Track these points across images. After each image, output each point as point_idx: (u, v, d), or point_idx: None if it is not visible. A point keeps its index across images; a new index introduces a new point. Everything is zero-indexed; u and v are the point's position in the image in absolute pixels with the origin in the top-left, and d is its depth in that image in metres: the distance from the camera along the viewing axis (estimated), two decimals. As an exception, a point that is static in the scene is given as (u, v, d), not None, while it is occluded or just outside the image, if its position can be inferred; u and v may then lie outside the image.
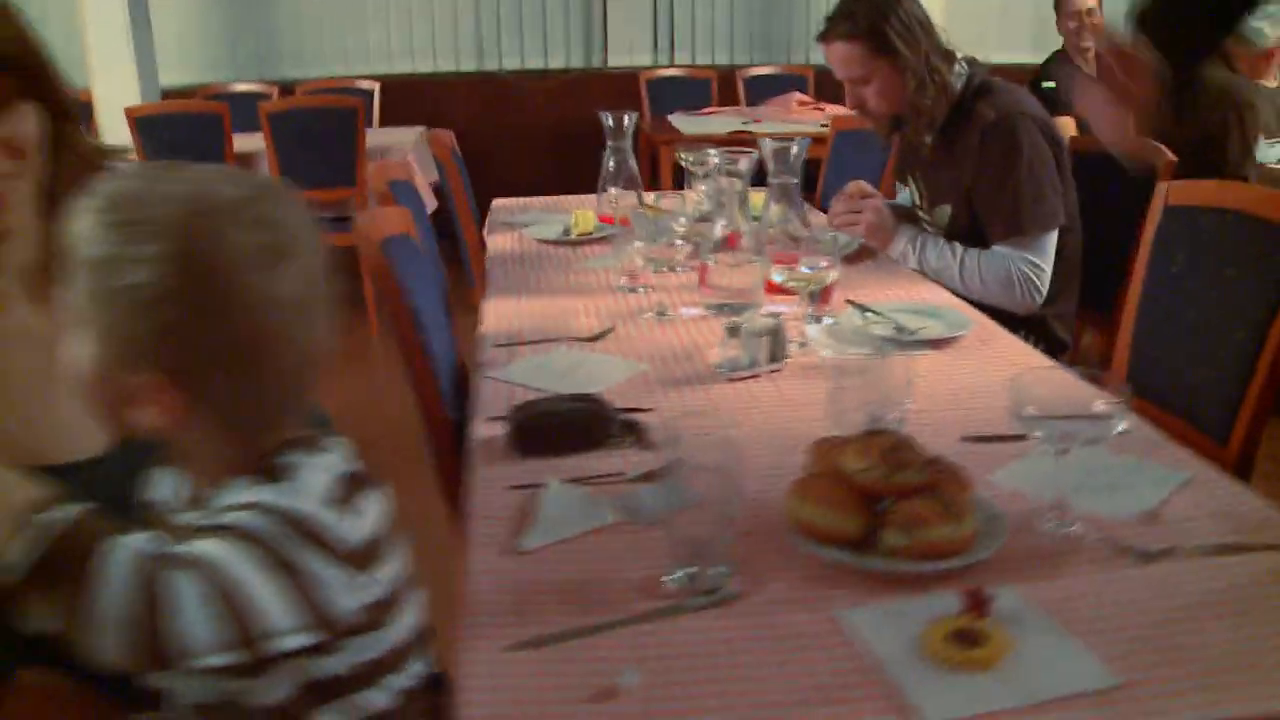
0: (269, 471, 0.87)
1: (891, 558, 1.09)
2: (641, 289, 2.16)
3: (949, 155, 2.36)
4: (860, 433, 1.18)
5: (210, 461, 0.92)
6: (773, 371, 1.67)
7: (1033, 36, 6.03)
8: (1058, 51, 4.58)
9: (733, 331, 1.68)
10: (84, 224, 0.84)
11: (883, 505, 1.13)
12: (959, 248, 2.28)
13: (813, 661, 0.96)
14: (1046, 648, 0.97)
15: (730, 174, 1.96)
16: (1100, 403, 1.16)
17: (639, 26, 6.35)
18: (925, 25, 2.32)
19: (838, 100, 5.44)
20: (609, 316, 1.99)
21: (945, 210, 2.39)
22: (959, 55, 2.36)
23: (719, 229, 2.00)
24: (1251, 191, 1.84)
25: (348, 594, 0.86)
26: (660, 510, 1.21)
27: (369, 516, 0.90)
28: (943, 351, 1.78)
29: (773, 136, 2.05)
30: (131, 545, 0.78)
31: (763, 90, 5.70)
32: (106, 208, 0.84)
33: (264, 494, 0.85)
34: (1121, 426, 1.15)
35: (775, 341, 1.68)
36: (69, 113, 1.10)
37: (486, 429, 1.48)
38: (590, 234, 2.69)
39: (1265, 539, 1.15)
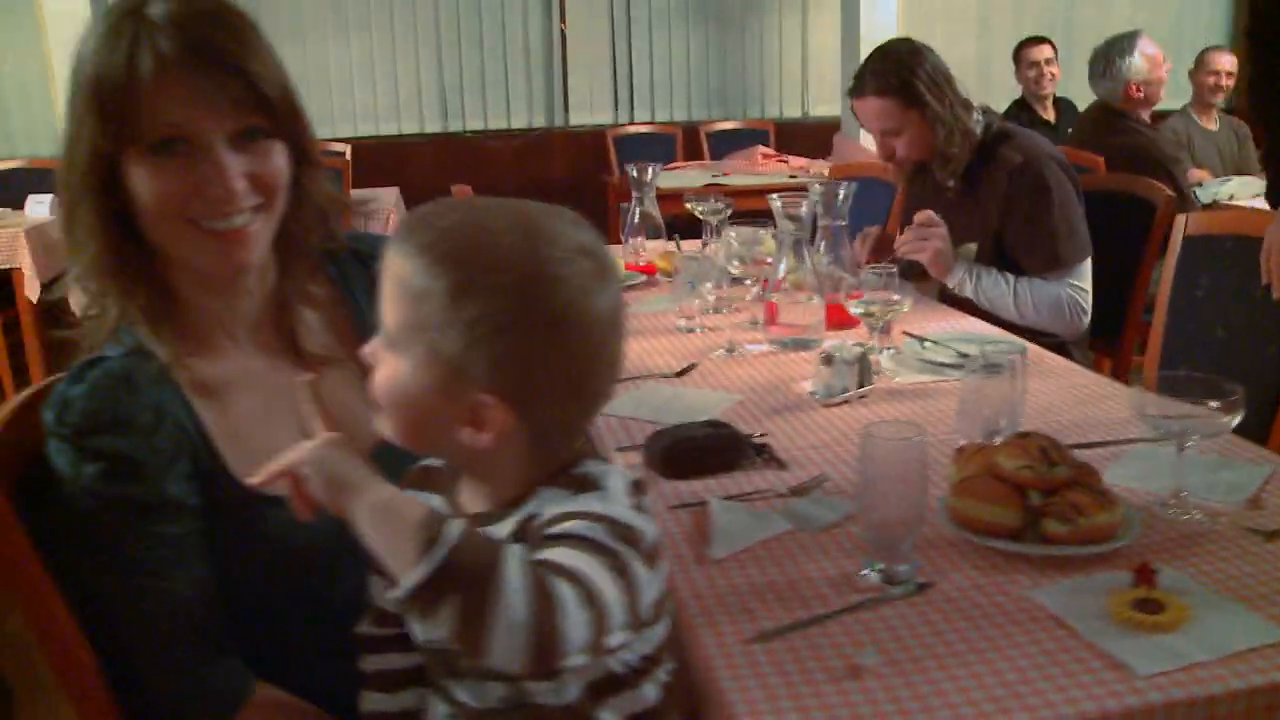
0: (579, 481, 0.93)
1: (1054, 544, 1.23)
2: (700, 329, 2.29)
3: (972, 198, 2.55)
4: (1010, 436, 1.32)
5: (513, 475, 0.95)
6: (861, 397, 1.81)
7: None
8: (1017, 101, 4.88)
9: (827, 360, 1.81)
10: (411, 257, 0.89)
11: (1030, 499, 1.27)
12: (1011, 277, 2.45)
13: (1022, 635, 1.08)
14: (1217, 611, 1.10)
15: (791, 218, 2.10)
16: (1214, 402, 1.32)
17: (599, 85, 6.55)
18: (948, 77, 2.52)
19: (799, 152, 5.73)
20: (683, 355, 2.12)
21: (971, 248, 2.57)
22: (975, 104, 2.56)
23: (782, 270, 2.14)
24: (1263, 217, 2.04)
25: (651, 592, 0.91)
26: (827, 518, 1.35)
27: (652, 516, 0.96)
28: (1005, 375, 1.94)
29: (783, 188, 2.21)
30: (520, 552, 0.81)
31: (726, 144, 5.92)
32: (438, 240, 0.89)
33: (589, 503, 0.89)
34: (1236, 420, 1.31)
35: (864, 368, 1.82)
36: (311, 158, 1.16)
37: (618, 458, 1.59)
38: (623, 283, 2.81)
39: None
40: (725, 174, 5.26)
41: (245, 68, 1.06)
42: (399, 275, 0.90)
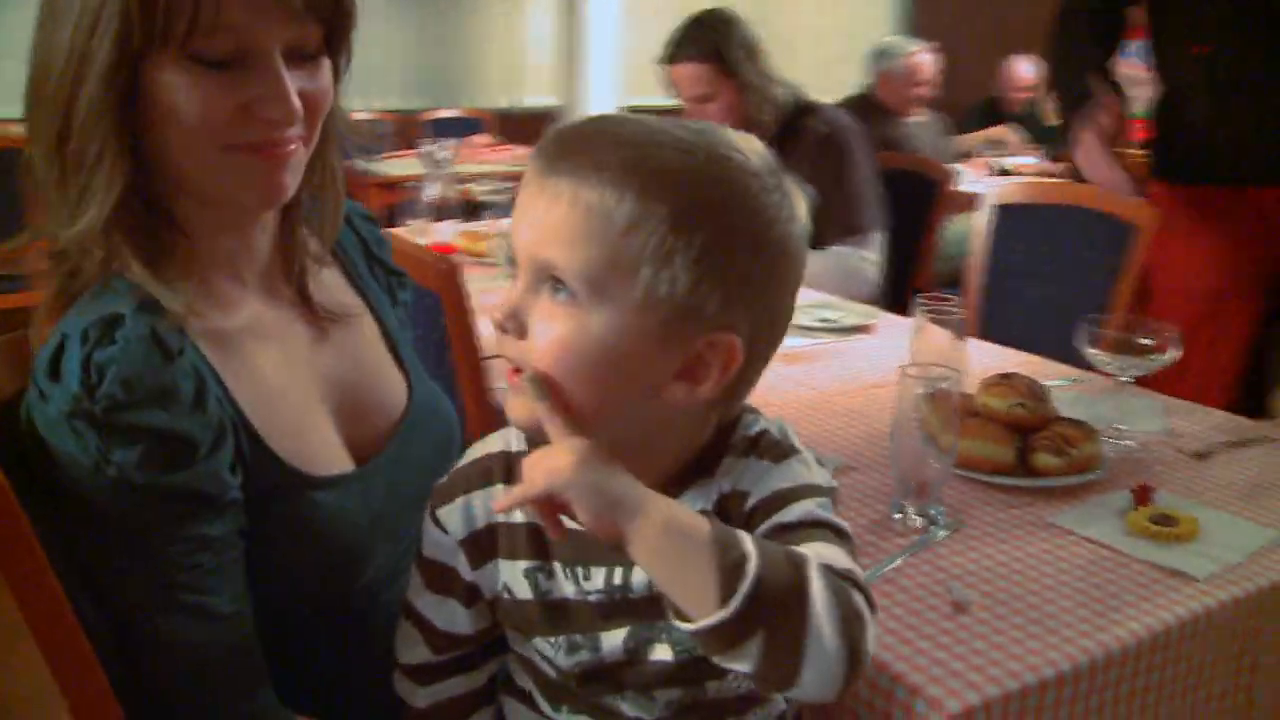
0: (755, 443, 0.85)
1: (1049, 476, 1.31)
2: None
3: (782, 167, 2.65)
4: (991, 379, 1.39)
5: (687, 443, 0.85)
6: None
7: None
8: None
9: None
10: (606, 182, 0.74)
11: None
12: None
13: (1077, 559, 1.15)
14: (1213, 520, 1.22)
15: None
16: (1143, 338, 1.46)
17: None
18: (758, 47, 2.60)
19: (518, 141, 5.69)
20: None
21: None
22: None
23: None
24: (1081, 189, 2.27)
25: None
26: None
27: None
28: (872, 335, 2.05)
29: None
30: (817, 563, 0.72)
31: (444, 133, 5.78)
32: (639, 159, 0.75)
33: (798, 473, 0.83)
34: (1172, 357, 1.46)
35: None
36: (340, 81, 0.99)
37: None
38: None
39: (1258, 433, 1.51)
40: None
41: None
42: (588, 204, 0.74)
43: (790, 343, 1.91)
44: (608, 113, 0.85)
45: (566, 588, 0.86)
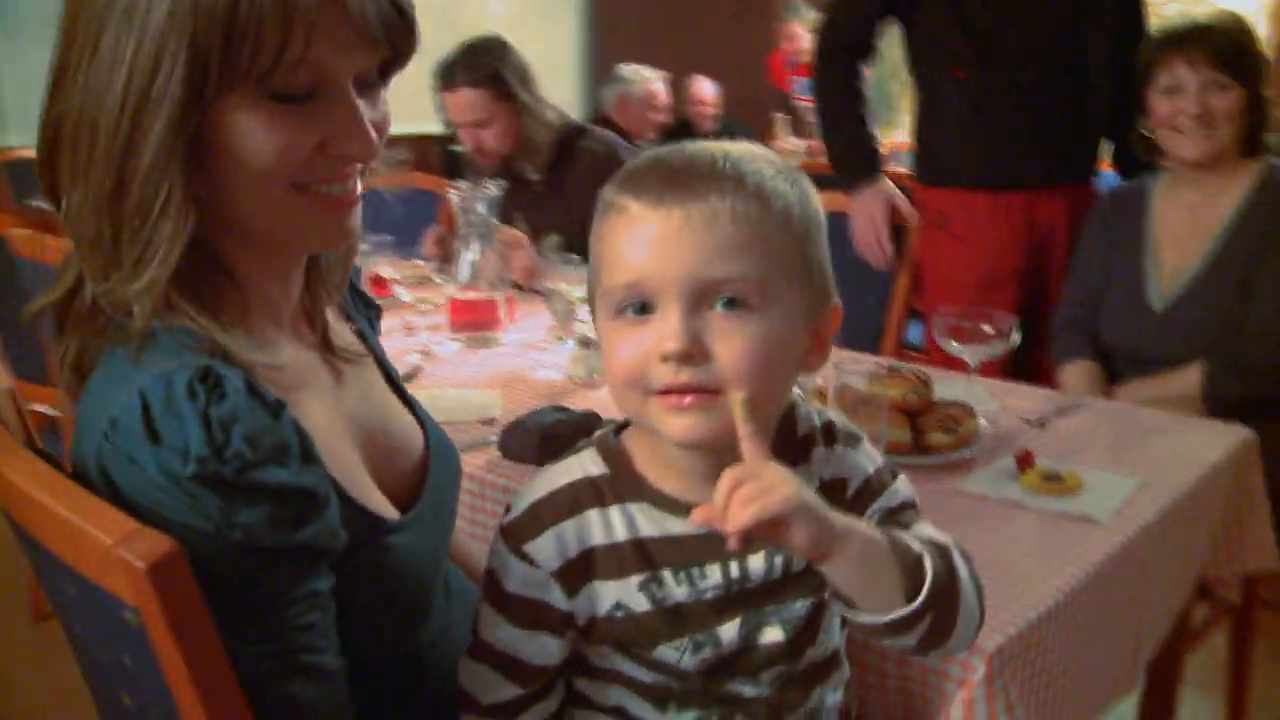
0: (842, 434, 0.95)
1: (941, 452, 1.48)
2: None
3: (557, 190, 2.72)
4: (884, 371, 1.55)
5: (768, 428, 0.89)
6: (601, 376, 1.90)
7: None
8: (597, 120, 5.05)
9: (585, 344, 1.89)
10: (753, 195, 0.81)
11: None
12: (574, 257, 2.62)
13: (1002, 520, 1.32)
14: (1087, 474, 1.43)
15: (470, 211, 2.12)
16: (988, 326, 1.68)
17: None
18: (530, 72, 2.67)
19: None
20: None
21: (554, 239, 2.74)
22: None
23: (467, 268, 2.15)
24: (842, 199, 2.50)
25: None
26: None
27: None
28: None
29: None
30: (957, 547, 0.88)
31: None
32: (752, 169, 0.82)
33: (869, 455, 0.96)
34: (1012, 344, 1.68)
35: (610, 349, 1.93)
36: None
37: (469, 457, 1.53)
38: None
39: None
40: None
41: (409, 3, 0.87)
42: (746, 215, 0.80)
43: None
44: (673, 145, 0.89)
45: (679, 591, 0.89)
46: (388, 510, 0.95)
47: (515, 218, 2.84)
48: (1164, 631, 1.45)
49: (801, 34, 5.63)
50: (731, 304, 0.81)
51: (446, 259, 2.38)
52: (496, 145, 2.67)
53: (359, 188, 0.91)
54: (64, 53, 0.82)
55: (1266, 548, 1.60)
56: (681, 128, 5.47)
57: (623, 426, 0.96)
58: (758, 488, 0.75)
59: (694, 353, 0.80)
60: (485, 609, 0.93)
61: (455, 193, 2.14)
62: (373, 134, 0.87)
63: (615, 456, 0.92)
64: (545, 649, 0.92)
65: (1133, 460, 1.50)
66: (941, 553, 0.87)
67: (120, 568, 0.62)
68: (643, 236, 0.81)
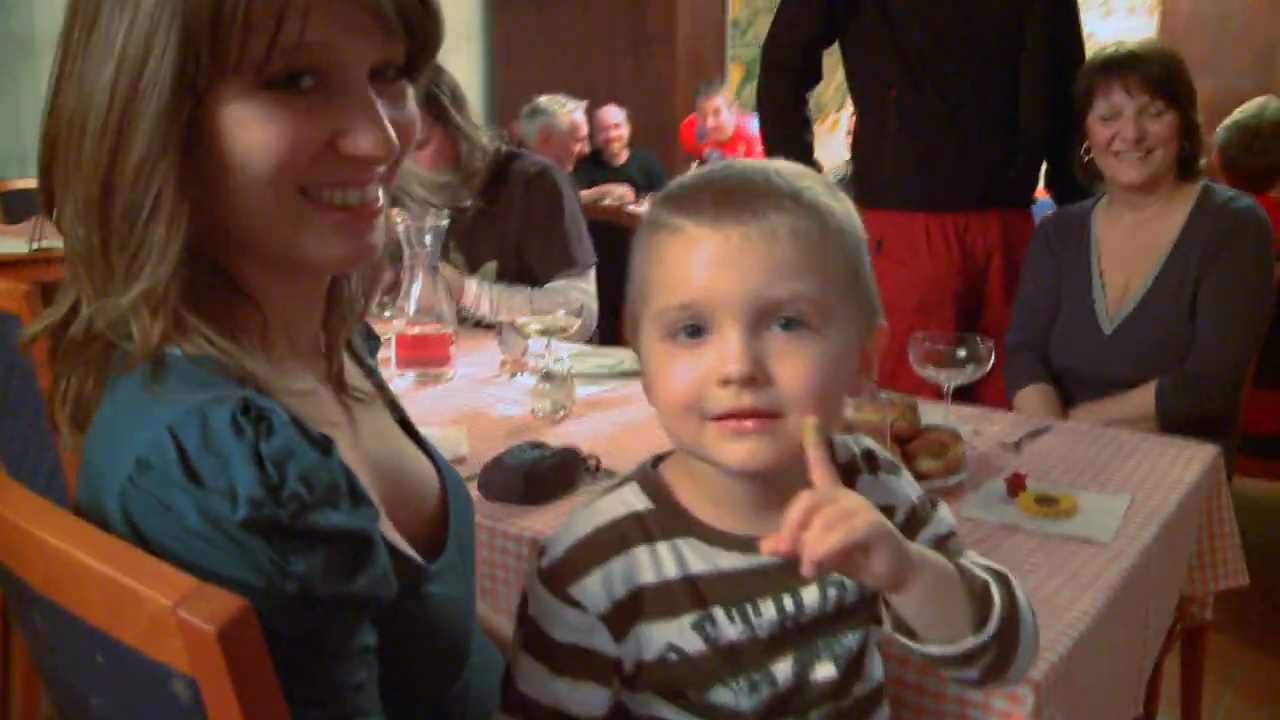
0: (882, 462, 0.94)
1: (932, 478, 1.46)
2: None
3: (490, 215, 2.66)
4: (865, 398, 1.53)
5: None
6: (568, 407, 1.85)
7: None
8: None
9: (548, 378, 1.83)
10: (806, 213, 0.79)
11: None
12: (527, 287, 2.58)
13: (1003, 542, 1.30)
14: (1078, 496, 1.43)
15: (416, 244, 2.05)
16: (962, 351, 1.67)
17: None
18: (463, 95, 2.61)
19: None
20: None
21: (491, 267, 2.67)
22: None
23: (414, 300, 2.07)
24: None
25: None
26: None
27: None
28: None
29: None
30: (1013, 579, 0.87)
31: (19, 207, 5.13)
32: (800, 185, 0.81)
33: (909, 482, 0.94)
34: (986, 369, 1.68)
35: (572, 382, 1.88)
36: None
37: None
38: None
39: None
40: None
41: None
42: (805, 233, 0.78)
43: (585, 391, 1.97)
44: (717, 162, 0.87)
45: (731, 630, 0.85)
46: (419, 558, 0.89)
47: (449, 247, 2.76)
48: (1156, 651, 1.45)
49: (719, 108, 5.61)
50: (790, 324, 0.79)
51: (391, 291, 2.29)
52: (431, 167, 2.60)
53: (381, 198, 0.82)
54: (63, 46, 0.75)
55: (1238, 565, 1.63)
56: (593, 157, 5.46)
57: (658, 460, 0.91)
58: (839, 512, 0.72)
59: (756, 375, 0.77)
60: (525, 660, 0.87)
61: (400, 222, 2.06)
62: (390, 131, 0.78)
63: (657, 490, 0.88)
64: (591, 700, 0.86)
65: (1116, 480, 1.51)
66: (1003, 581, 0.85)
67: (178, 632, 0.55)
68: (700, 256, 0.78)
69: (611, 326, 2.91)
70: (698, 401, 0.79)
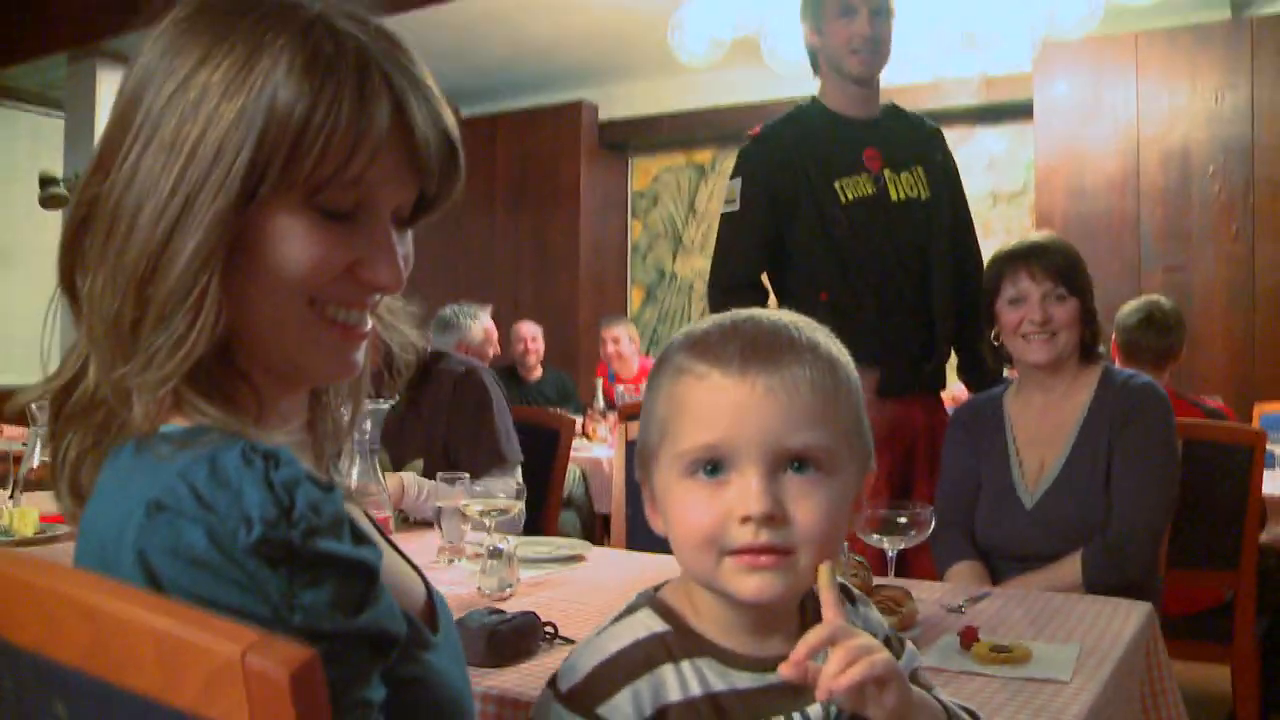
0: (854, 595, 0.98)
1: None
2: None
3: (415, 413, 2.68)
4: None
5: None
6: (513, 586, 1.83)
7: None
8: None
9: (495, 554, 1.82)
10: (820, 362, 0.86)
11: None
12: (463, 476, 2.56)
13: (949, 686, 1.32)
14: (1028, 645, 1.47)
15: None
16: (904, 517, 1.73)
17: None
18: None
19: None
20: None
21: (418, 465, 2.67)
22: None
23: (354, 482, 2.06)
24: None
25: None
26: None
27: None
28: (589, 563, 2.13)
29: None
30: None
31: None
32: (812, 338, 0.87)
33: (881, 615, 1.02)
34: (926, 535, 1.73)
35: (516, 560, 1.87)
36: None
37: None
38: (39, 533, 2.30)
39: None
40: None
41: (458, 141, 0.87)
42: (823, 385, 0.85)
43: (528, 575, 1.96)
44: (735, 312, 0.92)
45: None
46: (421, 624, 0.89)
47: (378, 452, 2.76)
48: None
49: (619, 337, 5.67)
50: (804, 467, 0.85)
51: None
52: (365, 361, 2.61)
53: (368, 325, 0.89)
54: (113, 133, 0.81)
55: (1181, 715, 1.66)
56: (509, 370, 5.53)
57: (658, 589, 0.95)
58: (859, 648, 0.78)
59: (775, 514, 0.83)
60: None
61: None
62: (401, 265, 0.86)
63: (669, 614, 0.91)
64: None
65: (1061, 634, 1.55)
66: (975, 717, 0.93)
67: (243, 683, 0.54)
68: (725, 403, 0.84)
69: (533, 521, 2.91)
70: (718, 536, 0.84)
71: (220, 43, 0.78)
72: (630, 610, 0.92)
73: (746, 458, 0.84)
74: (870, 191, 2.52)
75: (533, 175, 6.95)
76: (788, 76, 4.83)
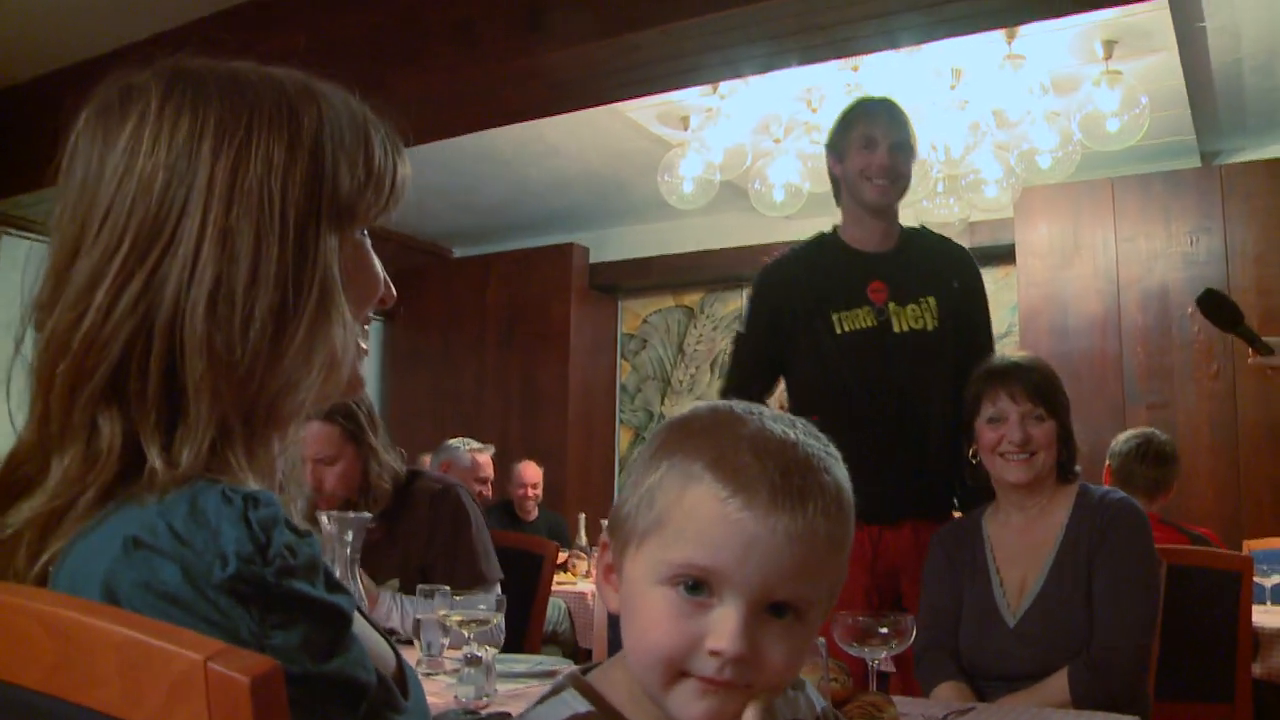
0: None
1: (869, 738, 1.46)
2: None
3: (391, 536, 2.66)
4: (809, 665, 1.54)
5: None
6: (491, 696, 1.80)
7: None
8: None
9: (473, 662, 1.80)
10: (829, 512, 0.82)
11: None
12: (443, 588, 2.52)
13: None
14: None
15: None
16: (885, 628, 1.72)
17: None
18: (377, 416, 2.67)
19: None
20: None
21: (394, 583, 2.64)
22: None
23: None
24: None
25: None
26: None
27: None
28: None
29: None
30: None
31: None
32: (834, 489, 0.85)
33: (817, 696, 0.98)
34: (908, 644, 1.71)
35: (494, 670, 1.84)
36: None
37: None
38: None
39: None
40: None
41: None
42: (831, 537, 0.82)
43: (505, 688, 1.93)
44: (756, 426, 0.86)
45: None
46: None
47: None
48: None
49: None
50: (783, 611, 0.81)
51: None
52: (334, 486, 2.60)
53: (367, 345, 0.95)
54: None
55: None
56: (505, 507, 5.50)
57: (586, 670, 0.91)
58: None
59: (749, 659, 0.79)
60: None
61: (326, 519, 2.07)
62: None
63: (594, 697, 0.87)
64: None
65: (1047, 743, 1.53)
66: None
67: (204, 691, 0.54)
68: (738, 536, 0.79)
69: (515, 644, 2.86)
70: (682, 659, 0.80)
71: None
72: (554, 691, 0.88)
73: (736, 592, 0.79)
74: (870, 324, 2.59)
75: (523, 316, 7.04)
76: (775, 219, 4.99)
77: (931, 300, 2.64)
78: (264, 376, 0.80)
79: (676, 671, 0.80)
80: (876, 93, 4.24)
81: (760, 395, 2.66)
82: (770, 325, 2.66)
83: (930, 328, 2.63)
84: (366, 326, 0.93)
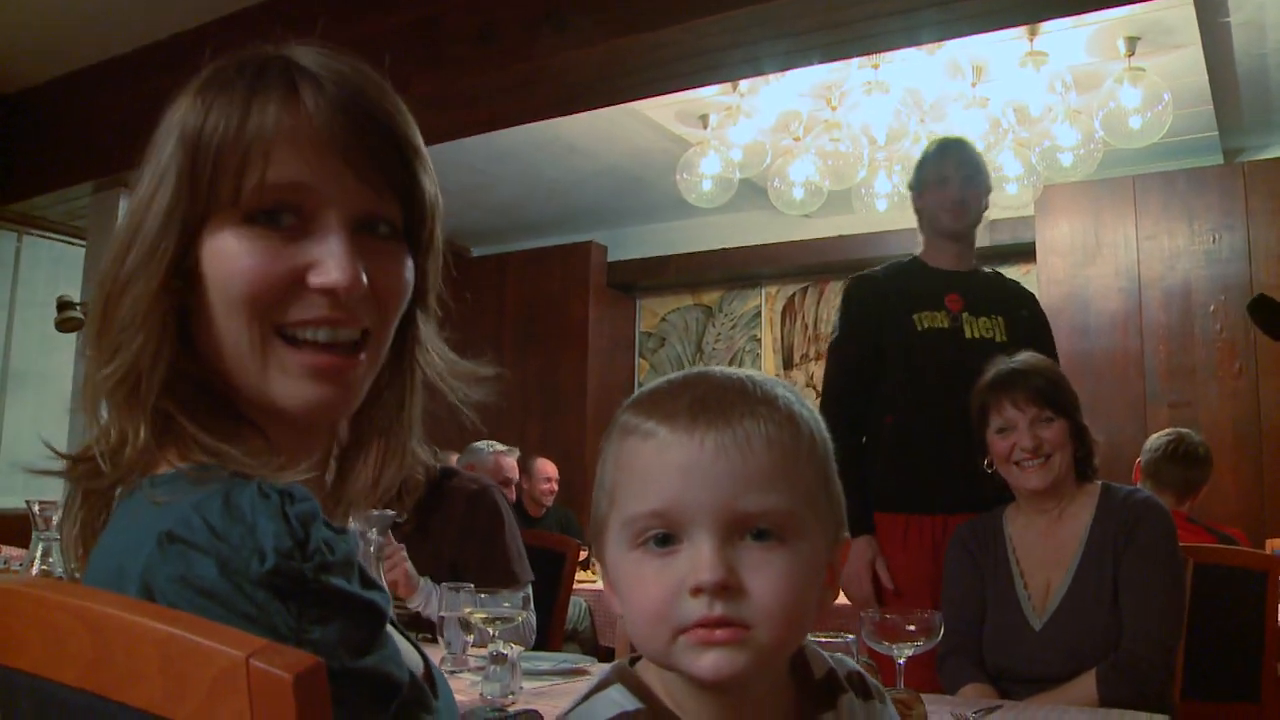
0: (872, 687, 0.91)
1: (898, 739, 1.45)
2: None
3: (424, 533, 2.67)
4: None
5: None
6: (516, 694, 1.80)
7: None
8: None
9: (499, 659, 1.79)
10: (781, 420, 0.78)
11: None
12: (467, 585, 2.54)
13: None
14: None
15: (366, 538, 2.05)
16: (911, 626, 1.71)
17: None
18: None
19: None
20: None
21: (425, 580, 2.64)
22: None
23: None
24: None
25: None
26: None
27: None
28: (592, 678, 2.10)
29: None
30: None
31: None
32: (776, 395, 0.79)
33: (888, 702, 0.94)
34: (935, 641, 1.70)
35: (519, 668, 1.84)
36: (428, 306, 0.93)
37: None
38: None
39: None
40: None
41: (401, 135, 0.86)
42: (780, 443, 0.77)
43: (530, 685, 1.93)
44: (688, 370, 0.84)
45: None
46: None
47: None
48: None
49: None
50: (763, 535, 0.77)
51: None
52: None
53: (360, 348, 0.85)
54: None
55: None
56: (517, 509, 5.49)
57: (633, 660, 0.88)
58: None
59: (730, 583, 0.75)
60: None
61: (351, 516, 2.06)
62: (354, 266, 0.82)
63: (641, 691, 0.84)
64: None
65: (1076, 743, 1.51)
66: None
67: (246, 688, 0.53)
68: (673, 463, 0.77)
69: (537, 643, 2.87)
70: (669, 612, 0.76)
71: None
72: (602, 685, 0.84)
73: (697, 524, 0.75)
74: (945, 325, 2.74)
75: (541, 315, 7.04)
76: (795, 218, 4.97)
77: (1001, 320, 2.77)
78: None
79: (670, 630, 0.76)
80: (896, 89, 4.25)
81: (862, 407, 2.75)
82: (859, 329, 2.80)
83: (1000, 339, 2.73)
84: (315, 329, 0.84)
